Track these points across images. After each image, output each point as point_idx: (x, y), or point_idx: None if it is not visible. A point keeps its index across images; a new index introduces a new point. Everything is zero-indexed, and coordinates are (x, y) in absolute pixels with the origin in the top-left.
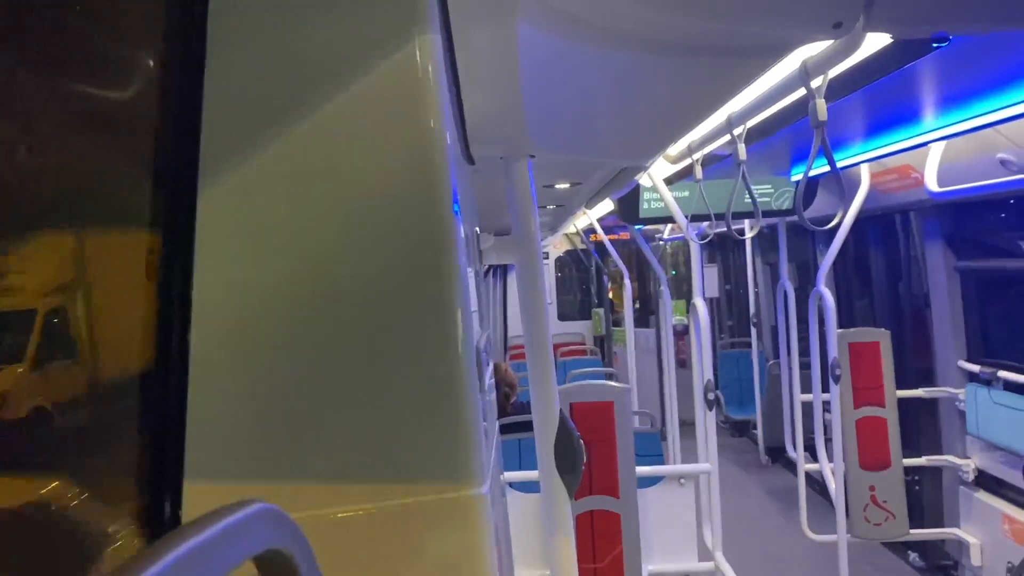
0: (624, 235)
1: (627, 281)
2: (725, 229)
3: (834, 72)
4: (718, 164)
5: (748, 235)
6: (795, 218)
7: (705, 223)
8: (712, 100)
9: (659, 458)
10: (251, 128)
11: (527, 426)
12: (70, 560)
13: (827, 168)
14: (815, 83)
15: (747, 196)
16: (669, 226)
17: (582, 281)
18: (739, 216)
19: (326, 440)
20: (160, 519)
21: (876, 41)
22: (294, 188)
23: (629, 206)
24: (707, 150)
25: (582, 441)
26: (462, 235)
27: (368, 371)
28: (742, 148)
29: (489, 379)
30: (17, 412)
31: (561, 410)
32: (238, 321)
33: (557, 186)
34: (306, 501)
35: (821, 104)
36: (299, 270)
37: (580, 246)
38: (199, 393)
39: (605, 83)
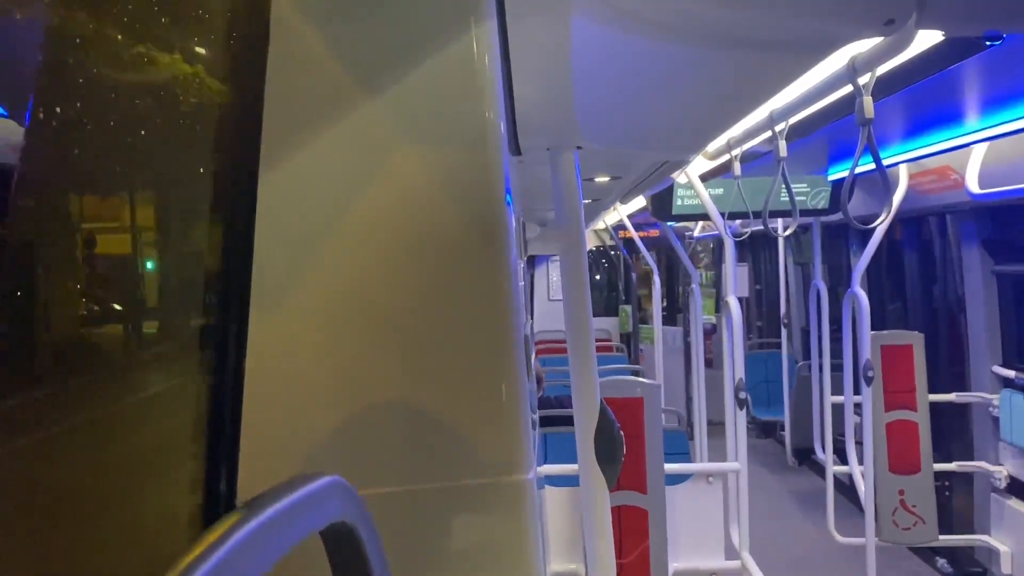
0: (653, 232)
1: (656, 278)
2: (761, 227)
3: (881, 70)
4: (754, 162)
5: (785, 233)
6: (830, 218)
7: (738, 221)
8: (758, 95)
9: (686, 456)
10: (310, 118)
11: (555, 420)
12: (133, 531)
13: (861, 169)
14: (862, 80)
15: (783, 194)
16: (699, 224)
17: (609, 278)
18: (775, 215)
19: (380, 427)
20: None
21: (926, 39)
22: (350, 177)
23: (662, 202)
24: (747, 146)
25: (622, 433)
26: (513, 226)
27: (421, 359)
28: (783, 145)
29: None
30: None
31: (602, 401)
32: (295, 311)
33: (597, 179)
34: (361, 480)
35: (868, 101)
36: (354, 259)
37: (609, 243)
38: (255, 384)
39: (654, 75)
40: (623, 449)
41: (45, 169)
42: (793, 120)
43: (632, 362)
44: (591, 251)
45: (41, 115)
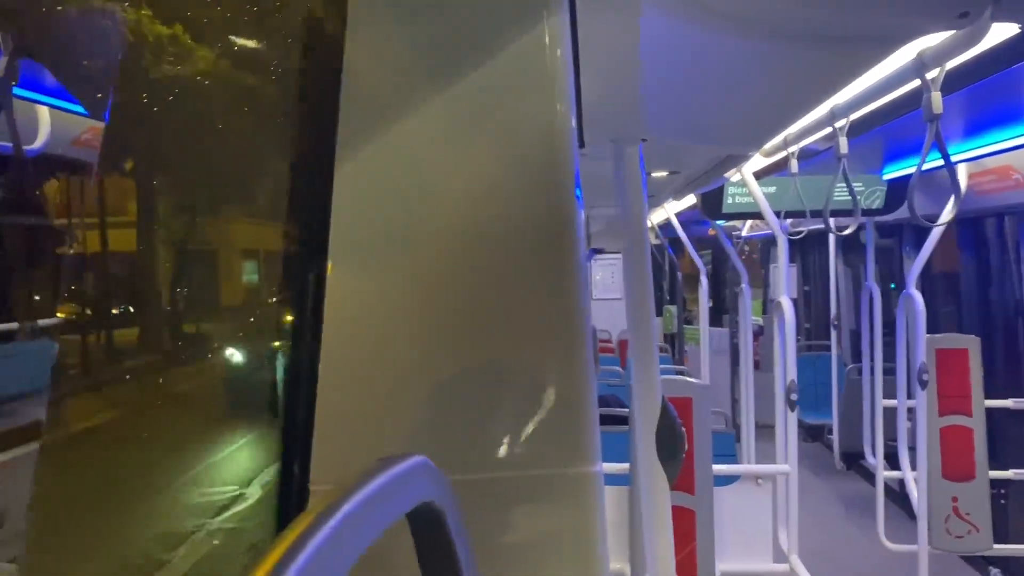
0: (709, 231)
1: (703, 278)
2: (811, 227)
3: (950, 64)
4: (807, 160)
5: (844, 233)
6: (884, 218)
7: (788, 220)
8: (824, 89)
9: (732, 458)
10: (384, 113)
11: (600, 419)
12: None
13: (913, 169)
14: (931, 75)
15: (838, 193)
16: (748, 223)
17: (654, 277)
18: (831, 214)
19: (449, 417)
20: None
21: (999, 32)
22: (423, 171)
23: (712, 200)
24: (805, 143)
25: (683, 429)
26: (583, 219)
27: (490, 351)
28: (844, 142)
29: None
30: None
31: (664, 398)
32: (368, 303)
33: (654, 175)
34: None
35: (936, 97)
36: (426, 252)
37: (654, 241)
38: (329, 371)
39: (721, 68)
40: (685, 446)
41: (123, 167)
42: (854, 117)
43: (676, 363)
44: None
45: (120, 114)
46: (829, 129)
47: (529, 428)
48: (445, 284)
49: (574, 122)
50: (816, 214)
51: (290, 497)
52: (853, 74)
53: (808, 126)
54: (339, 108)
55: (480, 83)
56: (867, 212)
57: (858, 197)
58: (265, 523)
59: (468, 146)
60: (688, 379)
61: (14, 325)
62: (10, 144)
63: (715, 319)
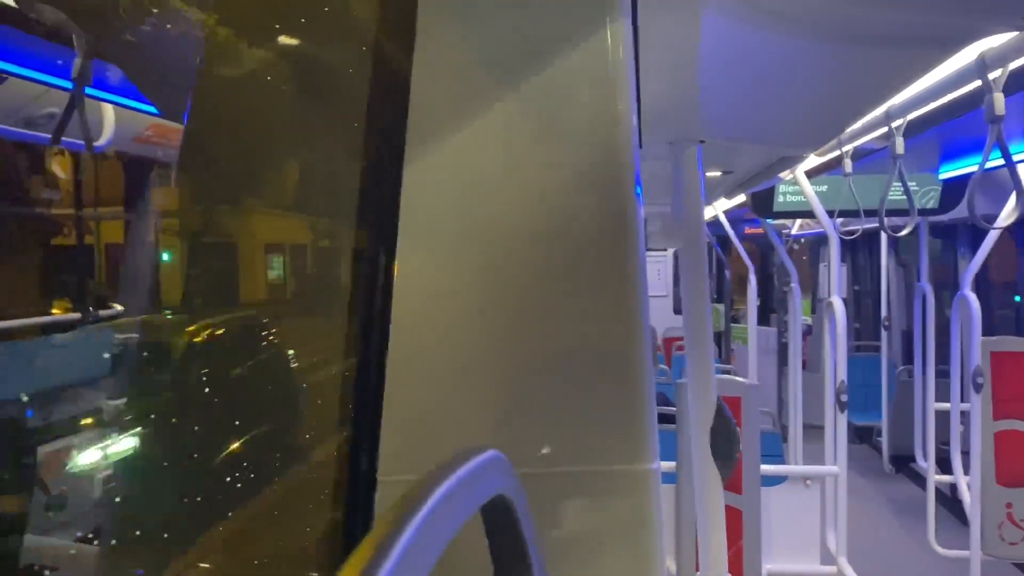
0: (748, 230)
1: (752, 276)
2: (864, 226)
3: (1013, 65)
4: (862, 159)
5: (901, 234)
6: (939, 218)
7: (839, 219)
8: (883, 90)
9: (779, 458)
10: (451, 116)
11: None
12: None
13: (973, 168)
14: (993, 76)
15: (892, 192)
16: (797, 222)
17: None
18: (869, 214)
19: (511, 412)
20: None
21: None
22: (488, 172)
23: (763, 199)
24: (859, 142)
25: (738, 428)
26: (643, 218)
27: (552, 348)
28: (900, 142)
29: None
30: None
31: (719, 396)
32: (433, 301)
33: (707, 174)
34: None
35: (999, 98)
36: (491, 251)
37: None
38: (397, 367)
39: (781, 70)
40: (739, 444)
41: (201, 166)
42: (910, 117)
43: (723, 362)
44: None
45: (198, 116)
46: (885, 129)
47: (589, 424)
48: (509, 280)
49: (635, 122)
50: (870, 214)
51: (359, 488)
52: (913, 75)
53: (864, 125)
54: (408, 109)
55: (544, 84)
56: (922, 212)
57: (913, 197)
58: (333, 512)
59: (532, 145)
60: (737, 378)
61: (75, 315)
62: (81, 141)
63: (763, 318)
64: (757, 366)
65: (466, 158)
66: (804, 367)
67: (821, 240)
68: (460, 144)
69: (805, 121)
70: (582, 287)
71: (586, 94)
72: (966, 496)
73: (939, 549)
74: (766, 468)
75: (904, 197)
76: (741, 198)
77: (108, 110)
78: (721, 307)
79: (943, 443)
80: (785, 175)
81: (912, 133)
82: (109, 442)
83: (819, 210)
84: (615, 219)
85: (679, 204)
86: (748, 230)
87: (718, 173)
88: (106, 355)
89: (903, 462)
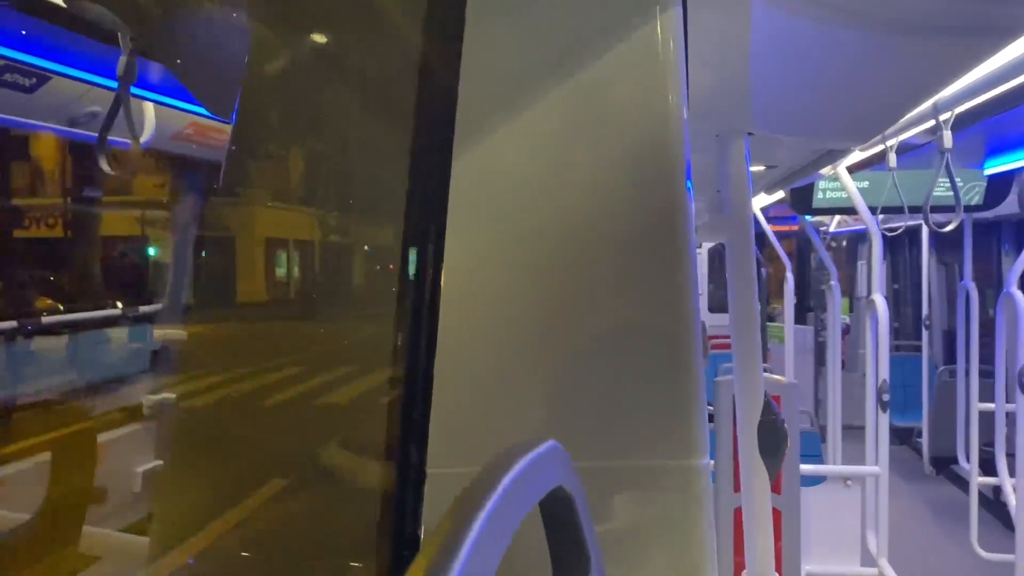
0: (783, 227)
1: (789, 275)
2: (907, 223)
3: None
4: (903, 155)
5: (947, 229)
6: (984, 214)
7: (880, 216)
8: (936, 82)
9: (819, 458)
10: (500, 107)
11: None
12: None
13: (1019, 164)
14: None
15: (938, 188)
16: (835, 219)
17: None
18: (913, 211)
19: (562, 407)
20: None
21: None
22: (537, 164)
23: (802, 195)
24: (905, 136)
25: (785, 425)
26: (693, 213)
27: (603, 343)
28: (948, 136)
29: None
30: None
31: (766, 392)
32: (482, 294)
33: (750, 169)
34: None
35: None
36: (540, 244)
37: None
38: (445, 361)
39: (832, 61)
40: (787, 442)
41: (248, 163)
42: (959, 110)
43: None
44: (715, 246)
45: (246, 113)
46: (931, 123)
47: (639, 419)
48: (558, 274)
49: (685, 115)
50: (915, 210)
51: (408, 480)
52: (967, 66)
53: (910, 119)
54: (456, 105)
55: (593, 78)
56: (966, 208)
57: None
58: (383, 504)
59: (581, 140)
60: (776, 377)
61: (116, 311)
62: (127, 140)
63: (800, 316)
64: (794, 365)
65: (514, 153)
66: (842, 366)
67: (859, 238)
68: (508, 139)
69: (854, 114)
70: (632, 282)
71: (636, 87)
72: (1011, 498)
73: (982, 552)
74: (806, 468)
75: (948, 193)
76: (774, 196)
77: (149, 108)
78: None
79: (986, 444)
80: (826, 171)
81: (959, 127)
82: (162, 433)
83: (861, 206)
84: (665, 214)
85: (726, 197)
86: (775, 227)
87: (761, 168)
88: (144, 350)
89: (944, 464)
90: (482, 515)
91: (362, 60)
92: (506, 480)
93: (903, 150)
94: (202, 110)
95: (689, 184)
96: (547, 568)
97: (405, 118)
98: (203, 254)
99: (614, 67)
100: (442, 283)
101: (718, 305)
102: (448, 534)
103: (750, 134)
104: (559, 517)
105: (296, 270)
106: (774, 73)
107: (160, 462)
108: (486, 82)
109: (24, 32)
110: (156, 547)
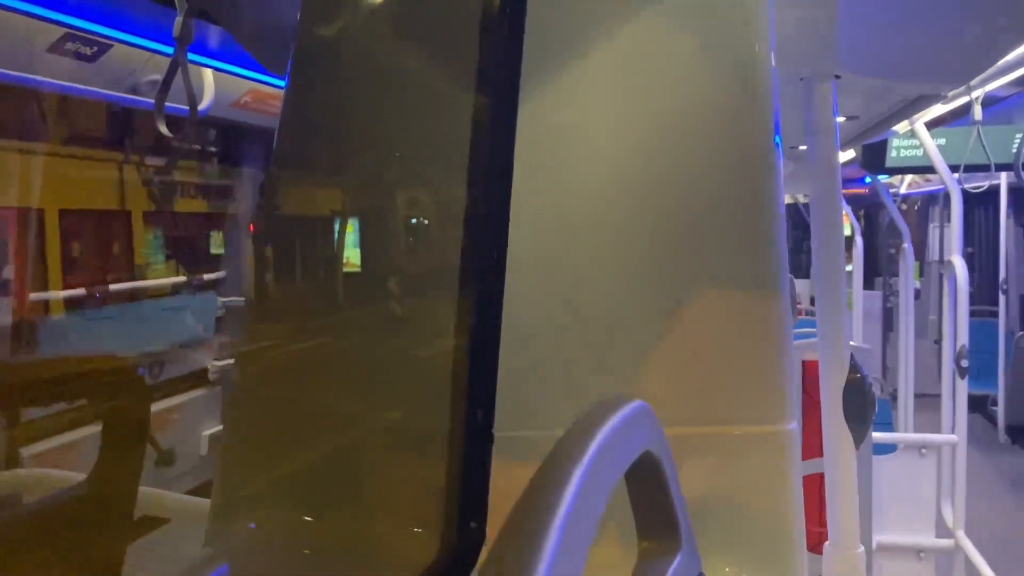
0: (849, 190)
1: (858, 238)
2: (985, 183)
3: None
4: (988, 108)
5: None
6: None
7: (956, 174)
8: None
9: (890, 426)
10: (569, 57)
11: None
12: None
13: None
14: None
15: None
16: (907, 179)
17: (801, 237)
18: (1001, 168)
19: (650, 369)
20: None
21: None
22: (613, 113)
23: (874, 153)
24: (993, 86)
25: (876, 393)
26: (782, 166)
27: (687, 305)
28: None
29: None
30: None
31: (853, 355)
32: (551, 259)
33: None
34: None
35: None
36: (616, 202)
37: (802, 199)
38: (513, 330)
39: None
40: (875, 408)
41: (301, 144)
42: None
43: None
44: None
45: (297, 87)
46: (1019, 72)
47: (723, 382)
48: (636, 228)
49: (773, 60)
50: (1003, 168)
51: (474, 443)
52: None
53: (998, 68)
54: (522, 40)
55: (669, 22)
56: None
57: None
58: (449, 466)
59: (662, 83)
60: (851, 343)
61: (181, 279)
62: (185, 107)
63: (868, 281)
64: (862, 331)
65: (584, 105)
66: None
67: (931, 199)
68: (576, 91)
69: (947, 54)
70: (717, 240)
71: (718, 27)
72: None
73: None
74: (878, 436)
75: None
76: (843, 155)
77: (207, 74)
78: None
79: None
80: (901, 127)
81: None
82: (228, 397)
83: (940, 164)
84: (752, 168)
85: (811, 147)
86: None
87: (841, 119)
88: (208, 317)
89: (1020, 433)
90: (573, 483)
91: (421, 19)
92: (595, 442)
93: (986, 103)
94: (261, 76)
95: (778, 137)
96: (629, 533)
97: (468, 74)
98: (266, 224)
99: (693, 13)
100: (508, 242)
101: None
102: (538, 509)
103: (837, 77)
104: (647, 482)
105: (359, 237)
106: (866, 7)
107: (227, 426)
108: (553, 33)
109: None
110: (221, 511)
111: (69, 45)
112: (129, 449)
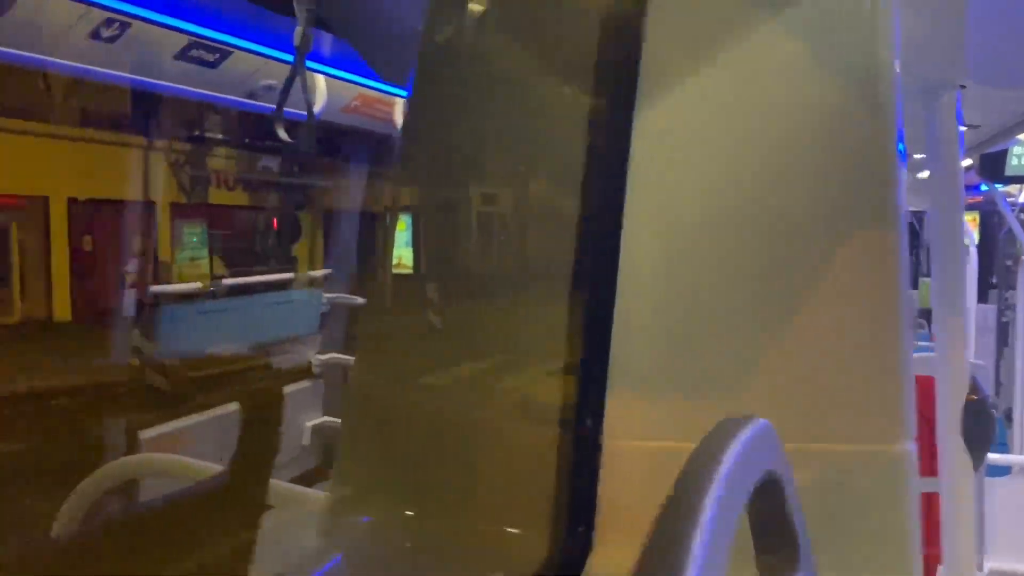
0: (970, 199)
1: (972, 248)
2: None
3: None
4: None
5: None
6: None
7: None
8: None
9: (1004, 447)
10: (686, 62)
11: None
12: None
13: None
14: None
15: None
16: None
17: (910, 247)
18: None
19: (757, 395)
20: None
21: None
22: (729, 118)
23: (993, 162)
24: None
25: (995, 413)
26: (905, 178)
27: (802, 320)
28: None
29: None
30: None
31: (974, 376)
32: (663, 271)
33: None
34: None
35: None
36: (730, 218)
37: (911, 207)
38: (623, 343)
39: None
40: (995, 429)
41: (428, 136)
42: None
43: (934, 340)
44: None
45: (423, 82)
46: None
47: (840, 399)
48: (751, 244)
49: (898, 68)
50: None
51: (584, 452)
52: None
53: None
54: (639, 64)
55: (790, 29)
56: None
57: None
58: (560, 474)
59: (782, 94)
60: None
61: (289, 275)
62: (303, 112)
63: (982, 294)
64: (975, 346)
65: (701, 114)
66: None
67: None
68: (694, 99)
69: None
70: (835, 254)
71: (842, 34)
72: None
73: None
74: (992, 457)
75: None
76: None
77: (320, 80)
78: (930, 281)
79: None
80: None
81: None
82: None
83: None
84: (873, 180)
85: (933, 160)
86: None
87: (962, 128)
88: (313, 312)
89: None
90: (707, 508)
91: (539, 20)
92: (724, 467)
93: None
94: (369, 82)
95: (901, 147)
96: (746, 552)
97: (586, 81)
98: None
99: (814, 17)
100: (621, 254)
101: None
102: (678, 517)
103: (962, 87)
104: (768, 504)
105: (472, 243)
106: (996, 15)
107: (327, 418)
108: (672, 38)
109: (208, 8)
110: (338, 506)
111: (193, 52)
112: (265, 440)
